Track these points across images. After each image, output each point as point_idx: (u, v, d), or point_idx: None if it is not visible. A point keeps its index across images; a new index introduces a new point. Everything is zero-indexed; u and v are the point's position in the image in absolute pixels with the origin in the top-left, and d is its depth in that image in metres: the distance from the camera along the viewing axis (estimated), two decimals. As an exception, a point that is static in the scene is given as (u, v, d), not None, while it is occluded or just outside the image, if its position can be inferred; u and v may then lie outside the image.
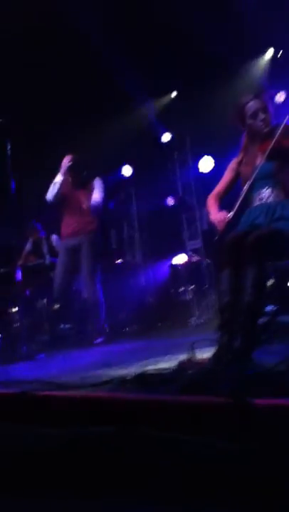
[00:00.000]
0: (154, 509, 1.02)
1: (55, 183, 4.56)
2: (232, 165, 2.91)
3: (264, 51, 7.04)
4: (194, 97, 6.95)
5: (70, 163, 4.54)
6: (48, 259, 5.67)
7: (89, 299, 4.41)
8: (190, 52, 6.11)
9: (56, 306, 5.23)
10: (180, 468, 1.11)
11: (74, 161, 4.55)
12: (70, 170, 4.56)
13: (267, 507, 0.97)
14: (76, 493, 1.09)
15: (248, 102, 2.75)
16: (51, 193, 4.57)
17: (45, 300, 5.44)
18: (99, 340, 4.30)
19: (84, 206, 4.47)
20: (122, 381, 1.87)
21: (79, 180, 4.61)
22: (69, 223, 4.59)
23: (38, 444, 1.35)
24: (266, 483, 1.02)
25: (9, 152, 4.87)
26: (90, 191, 4.56)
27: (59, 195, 4.55)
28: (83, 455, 1.19)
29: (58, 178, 4.56)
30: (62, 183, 4.53)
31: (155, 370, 2.02)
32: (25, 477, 1.17)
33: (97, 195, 4.52)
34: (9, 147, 4.89)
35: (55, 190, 4.55)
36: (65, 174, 4.55)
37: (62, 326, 5.50)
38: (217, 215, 2.71)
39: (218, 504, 1.00)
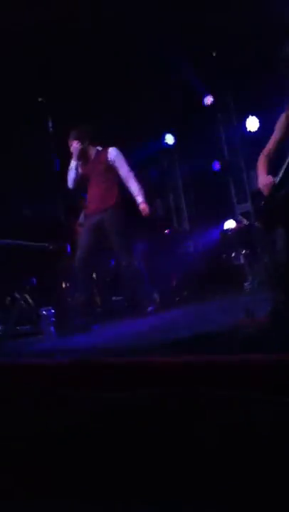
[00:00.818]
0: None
1: (70, 170, 4.49)
2: (281, 119, 2.78)
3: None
4: (234, 55, 6.66)
5: (80, 148, 4.44)
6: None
7: (128, 271, 4.39)
8: (228, 7, 5.83)
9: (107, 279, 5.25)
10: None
11: (82, 141, 4.44)
12: (81, 153, 4.47)
13: None
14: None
15: (294, 46, 2.59)
16: (69, 180, 4.51)
17: (94, 274, 5.45)
18: (150, 308, 4.30)
19: (101, 182, 4.40)
20: (177, 343, 1.84)
21: (91, 158, 4.52)
22: (90, 201, 4.55)
23: (95, 409, 1.35)
24: None
25: (51, 130, 4.86)
26: (105, 164, 4.44)
27: (78, 179, 4.49)
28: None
29: (72, 164, 4.49)
30: (77, 168, 4.47)
31: (210, 330, 1.98)
32: (87, 440, 1.17)
33: (122, 170, 4.41)
34: (51, 125, 4.88)
35: (73, 176, 4.49)
36: (77, 158, 4.47)
37: (113, 298, 5.54)
38: (263, 180, 2.62)
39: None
